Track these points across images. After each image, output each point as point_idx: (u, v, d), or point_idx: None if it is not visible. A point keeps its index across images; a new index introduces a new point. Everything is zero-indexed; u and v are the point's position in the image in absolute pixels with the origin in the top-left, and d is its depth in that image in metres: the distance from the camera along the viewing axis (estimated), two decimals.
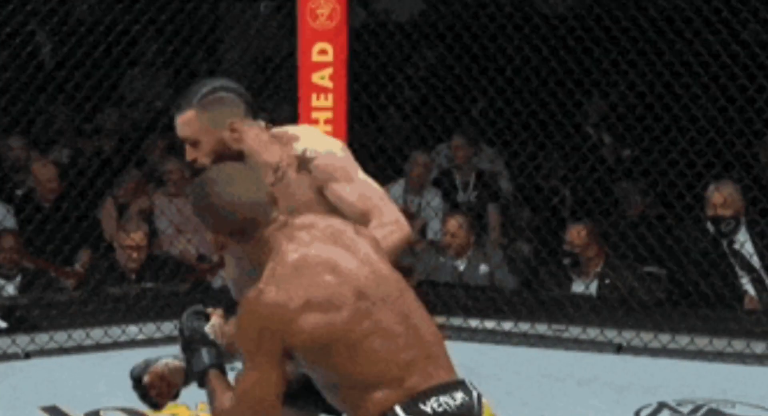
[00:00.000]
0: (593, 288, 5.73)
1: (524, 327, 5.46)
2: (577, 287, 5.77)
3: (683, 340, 5.37)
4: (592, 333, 5.46)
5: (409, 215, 5.51)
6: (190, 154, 2.92)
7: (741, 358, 5.27)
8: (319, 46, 5.50)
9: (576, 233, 5.67)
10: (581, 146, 5.87)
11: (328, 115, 5.54)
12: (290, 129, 3.01)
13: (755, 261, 5.64)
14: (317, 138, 2.98)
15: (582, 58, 5.76)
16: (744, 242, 5.61)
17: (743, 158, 5.71)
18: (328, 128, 5.52)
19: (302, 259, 2.33)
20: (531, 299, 5.59)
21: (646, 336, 5.41)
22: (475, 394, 2.33)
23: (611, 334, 5.44)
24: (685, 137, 5.67)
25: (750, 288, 5.62)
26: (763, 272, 5.64)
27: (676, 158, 5.65)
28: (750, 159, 5.79)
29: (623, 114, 6.09)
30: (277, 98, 5.90)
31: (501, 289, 5.88)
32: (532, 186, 6.14)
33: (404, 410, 2.27)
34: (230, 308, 2.76)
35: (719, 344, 5.31)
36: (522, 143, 5.93)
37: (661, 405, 4.74)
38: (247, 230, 2.38)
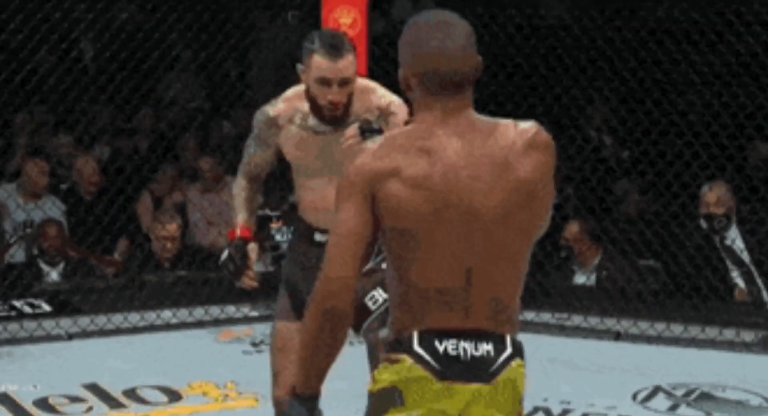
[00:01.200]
0: (593, 280, 5.72)
1: (529, 315, 5.43)
2: (579, 279, 5.76)
3: (677, 329, 5.37)
4: (593, 321, 5.46)
5: None
6: (338, 94, 3.00)
7: (731, 346, 5.27)
8: None
9: (570, 229, 5.66)
10: (584, 148, 5.88)
11: None
12: (362, 80, 3.17)
13: (745, 256, 5.62)
14: (392, 94, 3.12)
15: (585, 65, 5.75)
16: (735, 239, 5.58)
17: (734, 160, 5.70)
18: None
19: (422, 141, 2.07)
20: (536, 289, 5.56)
21: (643, 325, 5.41)
22: (507, 353, 2.07)
23: (610, 322, 5.44)
24: (681, 140, 5.66)
25: (740, 282, 5.61)
26: (752, 267, 5.62)
27: (672, 159, 5.66)
28: (741, 161, 5.79)
29: (624, 118, 6.07)
30: None
31: None
32: None
33: (419, 339, 2.06)
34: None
35: (711, 332, 5.31)
36: None
37: (657, 389, 4.72)
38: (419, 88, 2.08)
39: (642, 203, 6.22)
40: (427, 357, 2.05)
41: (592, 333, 5.43)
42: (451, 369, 2.04)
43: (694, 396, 4.67)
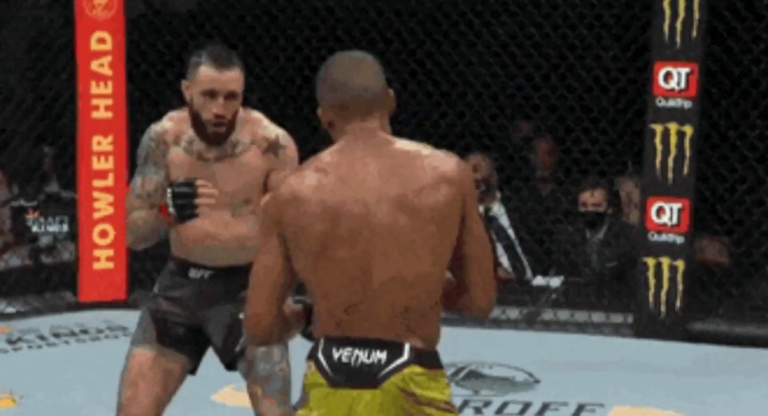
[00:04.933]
0: None
1: None
2: None
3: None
4: None
5: None
6: (223, 108, 3.03)
7: (497, 323, 5.46)
8: (98, 35, 5.46)
9: None
10: None
11: (108, 102, 5.50)
12: (248, 110, 3.17)
13: (510, 233, 5.83)
14: (277, 127, 3.16)
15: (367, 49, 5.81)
16: (500, 215, 5.77)
17: (496, 139, 5.89)
18: (109, 114, 5.49)
19: (320, 162, 2.27)
20: None
21: None
22: (400, 361, 2.22)
23: None
24: (445, 121, 5.83)
25: (504, 260, 5.81)
26: (517, 244, 5.84)
27: (437, 140, 5.71)
28: (504, 141, 5.98)
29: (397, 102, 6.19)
30: (57, 86, 5.77)
31: None
32: None
33: (323, 346, 2.26)
34: None
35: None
36: None
37: None
38: (333, 121, 2.31)
39: None
40: (324, 364, 2.25)
41: None
42: (340, 376, 2.23)
43: (462, 375, 4.82)
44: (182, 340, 3.16)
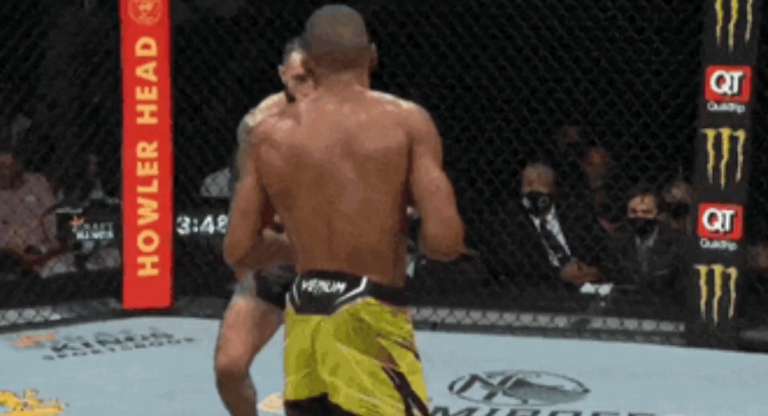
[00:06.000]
0: (410, 270, 5.79)
1: None
2: None
3: (493, 316, 5.52)
4: (409, 312, 5.47)
5: None
6: (305, 89, 3.27)
7: (545, 332, 5.45)
8: (143, 40, 5.50)
9: None
10: None
11: (153, 107, 5.53)
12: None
13: (561, 240, 5.82)
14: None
15: (398, 53, 5.80)
16: (552, 223, 5.77)
17: (544, 146, 5.89)
18: (154, 120, 5.52)
19: (296, 109, 2.50)
20: None
21: (459, 314, 5.54)
22: (356, 291, 2.43)
23: (426, 312, 5.55)
24: (492, 127, 5.80)
25: (558, 266, 5.82)
26: (568, 251, 5.82)
27: (484, 147, 5.81)
28: (551, 146, 5.98)
29: (435, 105, 6.19)
30: (102, 92, 5.83)
31: None
32: None
33: (298, 279, 2.51)
34: None
35: (526, 319, 5.48)
36: None
37: (474, 378, 4.82)
38: (314, 69, 2.52)
39: (455, 192, 6.32)
40: (295, 294, 2.50)
41: None
42: (304, 304, 2.47)
43: (510, 383, 4.80)
44: (279, 297, 3.27)
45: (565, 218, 5.85)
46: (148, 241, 5.61)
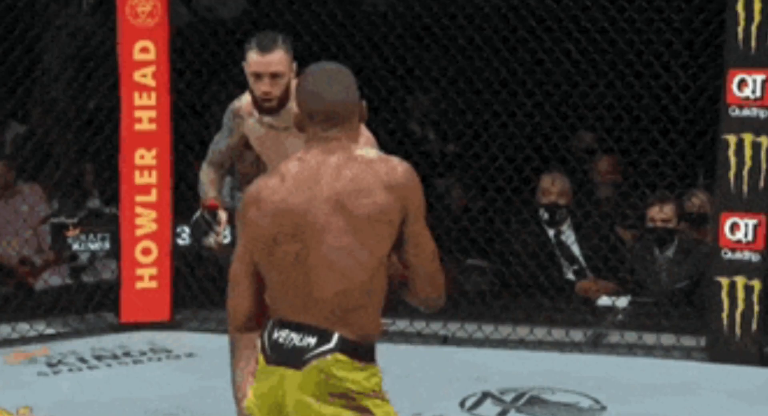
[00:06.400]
0: None
1: None
2: None
3: (505, 330, 5.51)
4: (418, 325, 5.53)
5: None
6: (269, 86, 3.63)
7: (560, 346, 5.43)
8: (141, 43, 5.49)
9: None
10: (405, 143, 5.91)
11: (152, 113, 5.53)
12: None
13: (576, 251, 5.82)
14: None
15: (403, 53, 5.80)
16: (567, 233, 5.78)
17: (558, 152, 5.87)
18: (152, 126, 5.51)
19: (283, 167, 2.65)
20: None
21: (470, 327, 5.53)
22: (326, 347, 2.56)
23: (437, 326, 5.54)
24: (505, 132, 5.80)
25: (573, 279, 5.82)
26: (583, 263, 5.82)
27: (496, 152, 5.78)
28: (565, 153, 5.95)
29: (445, 110, 6.15)
30: (98, 97, 5.82)
31: None
32: None
33: (270, 328, 2.63)
34: None
35: (540, 333, 5.47)
36: None
37: (485, 394, 4.80)
38: (304, 126, 2.67)
39: (466, 200, 6.32)
40: (266, 343, 2.62)
41: (418, 337, 5.52)
42: (274, 355, 2.60)
43: (523, 400, 4.78)
44: None
45: (580, 228, 5.85)
46: (146, 252, 5.59)
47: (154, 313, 5.61)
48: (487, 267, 5.87)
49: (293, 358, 2.58)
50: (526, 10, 5.66)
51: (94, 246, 5.67)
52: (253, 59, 3.66)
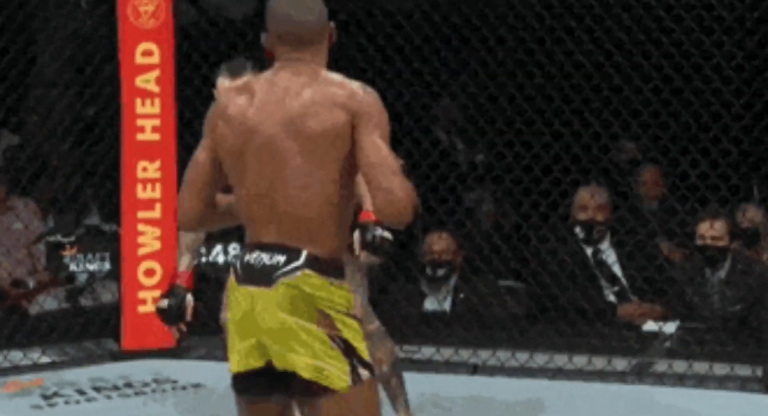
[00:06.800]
0: (447, 305, 5.75)
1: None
2: (430, 304, 5.78)
3: (542, 358, 5.44)
4: (447, 353, 5.50)
5: None
6: None
7: (601, 375, 5.36)
8: (144, 46, 5.52)
9: (439, 239, 5.67)
10: (431, 152, 5.86)
11: (156, 122, 5.55)
12: None
13: (617, 271, 5.76)
14: None
15: (429, 56, 5.77)
16: (607, 252, 5.74)
17: (599, 162, 5.83)
18: (156, 136, 5.54)
19: (251, 84, 2.87)
20: (379, 318, 5.43)
21: (503, 355, 5.47)
22: (296, 264, 2.78)
23: (466, 354, 5.50)
24: (540, 141, 5.75)
25: (613, 301, 5.77)
26: (625, 283, 5.76)
27: (531, 163, 5.72)
28: (607, 163, 5.91)
29: (474, 117, 6.09)
30: (98, 104, 5.80)
31: None
32: None
33: (241, 250, 2.88)
34: None
35: (579, 361, 5.40)
36: None
37: None
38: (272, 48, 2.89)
39: (498, 215, 6.33)
40: (237, 265, 2.85)
41: (446, 366, 5.47)
42: (245, 275, 2.83)
43: None
44: None
45: (623, 246, 5.79)
46: (149, 273, 5.57)
47: (158, 340, 5.55)
48: (521, 289, 5.87)
49: (263, 277, 2.79)
50: (564, 9, 5.60)
51: (93, 267, 5.66)
52: (223, 85, 4.11)
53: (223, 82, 4.17)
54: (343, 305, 2.79)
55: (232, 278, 2.85)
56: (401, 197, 2.70)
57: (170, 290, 3.95)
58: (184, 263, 4.05)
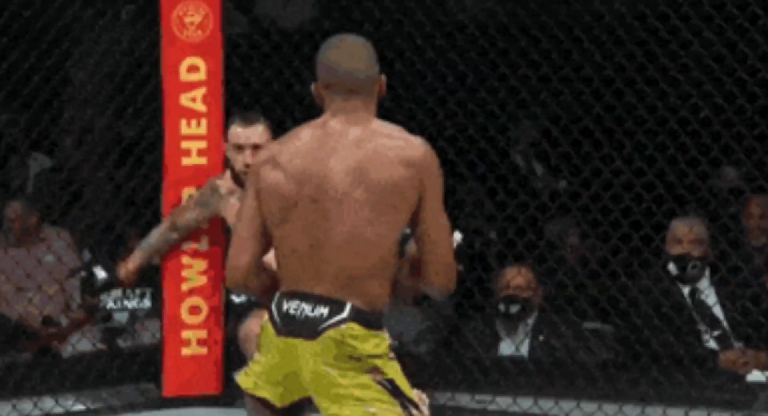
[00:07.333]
0: (525, 350, 5.67)
1: (442, 398, 5.38)
2: (506, 348, 5.68)
3: (633, 411, 5.32)
4: (525, 403, 5.42)
5: None
6: (252, 157, 4.66)
7: None
8: (189, 61, 5.54)
9: (517, 274, 5.59)
10: (508, 178, 5.79)
11: (202, 144, 5.55)
12: None
13: (718, 313, 5.61)
14: None
15: (507, 74, 5.68)
16: (706, 291, 5.61)
17: (698, 192, 5.65)
18: (202, 160, 5.52)
19: (300, 132, 3.07)
20: (450, 363, 5.55)
21: (589, 407, 5.36)
22: (340, 317, 2.96)
23: (547, 405, 5.42)
24: (630, 167, 5.62)
25: (714, 347, 5.60)
26: (727, 327, 5.61)
27: (620, 192, 5.58)
28: (706, 193, 5.72)
29: (557, 140, 5.95)
30: (139, 125, 5.79)
31: (412, 353, 5.79)
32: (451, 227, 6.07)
33: (278, 299, 3.04)
34: None
35: (675, 414, 5.27)
36: None
37: None
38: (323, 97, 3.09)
39: (583, 249, 6.24)
40: (274, 314, 3.03)
41: None
42: (286, 326, 3.01)
43: None
44: None
45: (725, 286, 5.62)
46: (194, 311, 5.54)
47: (204, 385, 5.57)
48: (609, 332, 5.77)
49: (307, 328, 2.97)
50: (657, 18, 5.45)
51: (132, 304, 5.59)
52: (236, 132, 4.78)
53: (236, 130, 4.71)
54: (383, 352, 2.99)
55: (267, 326, 3.04)
56: (454, 271, 3.04)
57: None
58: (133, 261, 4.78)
